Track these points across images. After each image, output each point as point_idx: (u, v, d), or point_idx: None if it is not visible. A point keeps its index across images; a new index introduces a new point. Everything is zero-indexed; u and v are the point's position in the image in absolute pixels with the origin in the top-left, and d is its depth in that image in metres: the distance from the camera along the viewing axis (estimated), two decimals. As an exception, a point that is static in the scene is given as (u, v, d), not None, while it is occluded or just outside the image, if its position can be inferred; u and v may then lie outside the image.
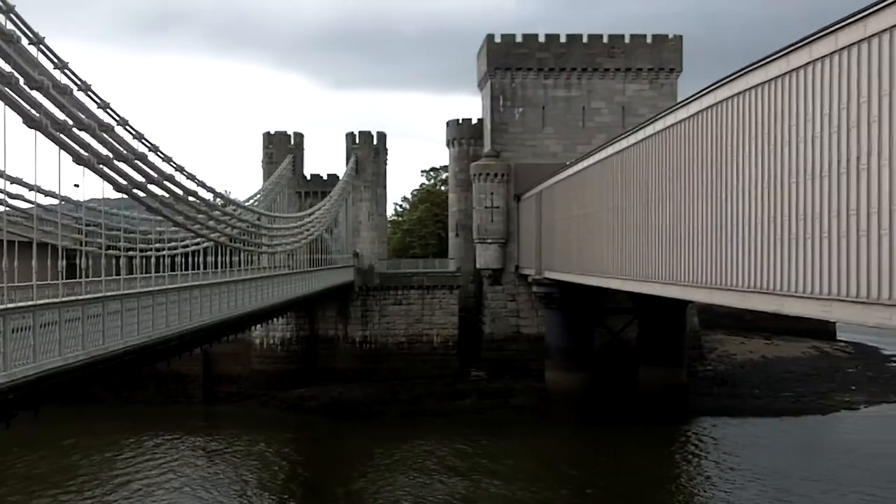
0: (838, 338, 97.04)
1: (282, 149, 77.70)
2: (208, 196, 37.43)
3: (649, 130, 39.68)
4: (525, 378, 71.13)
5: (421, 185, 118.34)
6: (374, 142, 78.07)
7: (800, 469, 49.44)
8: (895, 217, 20.36)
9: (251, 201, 52.25)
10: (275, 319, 64.56)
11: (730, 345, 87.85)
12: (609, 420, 62.39)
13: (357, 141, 77.85)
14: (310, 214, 61.54)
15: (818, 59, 23.91)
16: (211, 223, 38.46)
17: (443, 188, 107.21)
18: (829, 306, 23.76)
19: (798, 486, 46.38)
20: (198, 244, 39.44)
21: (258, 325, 59.89)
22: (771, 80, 26.87)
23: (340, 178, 75.58)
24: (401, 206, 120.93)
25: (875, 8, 20.98)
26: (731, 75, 29.92)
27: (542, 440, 59.52)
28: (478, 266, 76.78)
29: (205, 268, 40.03)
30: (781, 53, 26.07)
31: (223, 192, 48.54)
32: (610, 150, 46.69)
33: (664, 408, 62.77)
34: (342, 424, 63.39)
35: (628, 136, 43.58)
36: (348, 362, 73.94)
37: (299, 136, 79.69)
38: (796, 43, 25.07)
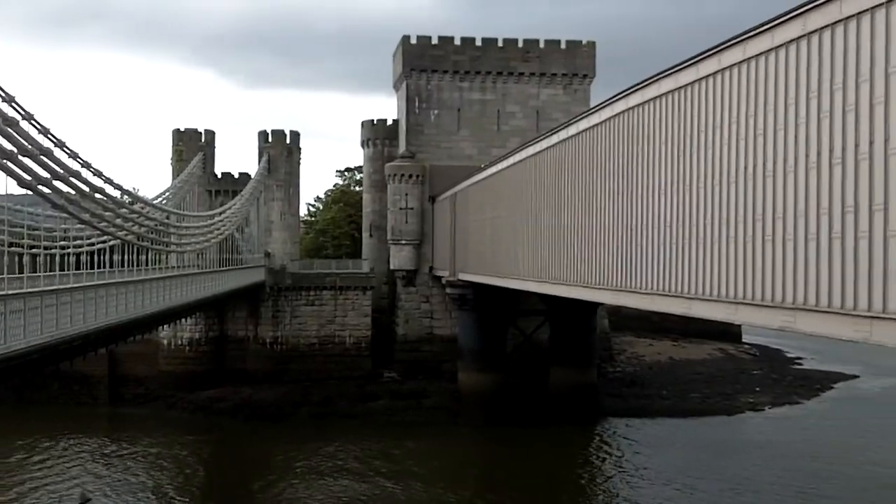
0: (744, 340, 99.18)
1: (192, 146, 76.56)
2: (116, 193, 36.71)
3: (562, 135, 40.02)
4: (438, 379, 71.21)
5: (335, 186, 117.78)
6: (287, 140, 77.37)
7: (705, 468, 50.38)
8: (799, 222, 20.82)
9: (160, 199, 51.42)
10: (183, 320, 63.62)
11: (639, 346, 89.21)
12: (521, 421, 62.83)
13: (270, 139, 77.12)
14: (220, 213, 60.77)
15: (727, 67, 24.36)
16: (118, 221, 37.70)
17: (357, 189, 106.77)
18: (734, 309, 24.21)
19: (703, 484, 47.26)
20: (104, 242, 38.61)
21: (166, 326, 58.94)
22: (681, 87, 27.30)
23: (252, 176, 74.77)
24: (314, 206, 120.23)
25: (782, 19, 21.46)
26: (642, 82, 30.31)
27: (455, 441, 59.73)
28: (392, 267, 76.65)
29: (111, 266, 39.21)
30: (692, 62, 26.50)
31: (131, 190, 47.74)
32: (524, 154, 46.99)
33: (575, 408, 63.45)
34: (252, 426, 62.76)
35: (542, 140, 43.90)
36: (259, 363, 73.17)
37: (210, 134, 78.62)
38: (706, 51, 25.51)
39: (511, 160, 49.81)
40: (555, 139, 41.20)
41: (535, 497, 46.19)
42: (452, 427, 62.77)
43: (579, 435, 59.80)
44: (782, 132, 21.54)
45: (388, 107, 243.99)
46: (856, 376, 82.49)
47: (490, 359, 64.82)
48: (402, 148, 78.60)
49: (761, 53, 22.49)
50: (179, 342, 72.42)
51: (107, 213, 35.88)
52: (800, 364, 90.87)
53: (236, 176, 78.71)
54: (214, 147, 79.11)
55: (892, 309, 17.63)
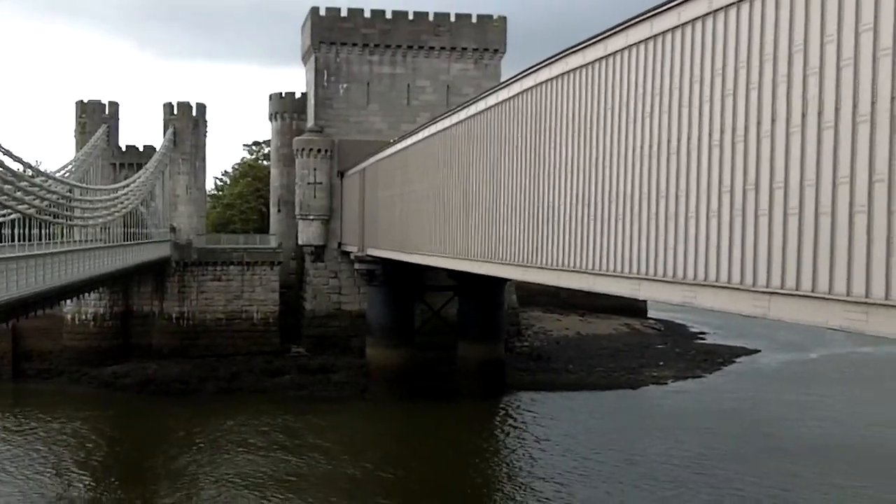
0: (649, 315, 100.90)
1: (96, 119, 74.72)
2: (16, 166, 35.72)
3: (472, 110, 40.00)
4: (346, 355, 71.13)
5: (242, 160, 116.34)
6: (193, 113, 75.96)
7: (607, 440, 51.21)
8: (701, 200, 21.13)
9: (62, 172, 50.12)
10: (87, 295, 62.32)
11: (546, 322, 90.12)
12: (429, 395, 63.09)
13: (175, 112, 75.64)
14: (125, 187, 59.54)
15: (634, 44, 24.55)
16: (18, 194, 36.69)
17: (265, 163, 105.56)
18: (637, 285, 24.53)
19: (604, 456, 48.05)
20: (4, 216, 37.58)
21: (69, 301, 57.60)
22: (589, 63, 27.44)
23: (157, 149, 73.36)
24: (221, 180, 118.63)
25: (687, -3, 21.68)
26: (550, 58, 30.40)
27: (363, 416, 59.74)
28: (300, 242, 76.06)
29: (11, 240, 38.18)
30: (599, 38, 26.64)
31: (32, 163, 46.37)
32: (433, 129, 46.89)
33: (482, 383, 63.88)
34: (158, 402, 61.89)
35: (451, 115, 43.84)
36: (164, 339, 72.12)
37: (114, 106, 76.79)
38: (614, 28, 25.66)
39: (421, 135, 49.68)
40: (464, 114, 41.18)
41: (442, 471, 46.47)
42: (360, 402, 62.78)
43: (486, 409, 60.28)
44: (686, 110, 21.81)
45: (297, 80, 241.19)
46: (757, 351, 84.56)
47: (398, 334, 64.84)
48: (310, 122, 77.83)
49: (667, 31, 22.71)
50: (84, 317, 70.96)
51: (6, 187, 34.91)
52: (703, 339, 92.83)
53: (141, 149, 77.12)
54: (118, 119, 77.29)
55: (789, 285, 18.01)
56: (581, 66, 27.96)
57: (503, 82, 36.60)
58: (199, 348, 71.66)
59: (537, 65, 31.62)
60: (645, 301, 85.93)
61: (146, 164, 68.69)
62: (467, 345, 65.27)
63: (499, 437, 55.13)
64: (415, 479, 45.15)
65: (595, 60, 26.94)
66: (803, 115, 17.52)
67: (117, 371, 67.99)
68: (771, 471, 45.17)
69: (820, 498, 40.68)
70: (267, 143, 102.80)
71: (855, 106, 16.11)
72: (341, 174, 73.90)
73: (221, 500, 40.80)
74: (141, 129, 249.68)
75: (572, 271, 28.69)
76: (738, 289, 19.76)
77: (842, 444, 50.22)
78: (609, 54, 26.04)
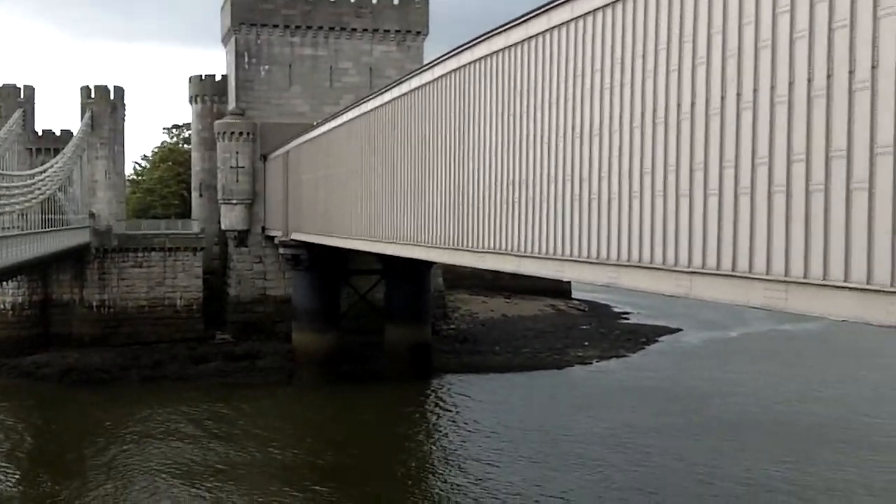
0: (573, 296, 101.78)
1: (10, 103, 72.96)
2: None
3: (395, 92, 39.84)
4: (272, 340, 70.62)
5: (162, 143, 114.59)
6: (111, 96, 74.43)
7: (535, 421, 51.59)
8: (623, 181, 21.31)
9: (-25, 158, 48.76)
10: (4, 283, 60.87)
11: (472, 304, 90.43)
12: (357, 379, 62.95)
13: (93, 95, 74.01)
14: (41, 172, 58.21)
15: (556, 26, 24.61)
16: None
17: (186, 147, 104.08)
18: (562, 266, 24.68)
19: (529, 436, 48.42)
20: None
21: (-15, 290, 56.25)
22: (511, 45, 27.47)
23: (75, 134, 71.83)
24: (141, 164, 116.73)
25: (608, -21, 21.76)
26: (473, 40, 30.36)
27: (290, 401, 59.39)
28: (223, 227, 75.20)
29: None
30: (522, 20, 26.67)
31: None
32: (357, 112, 46.62)
33: (410, 366, 63.91)
34: (80, 391, 60.73)
35: (375, 97, 43.61)
36: (85, 327, 70.79)
37: (30, 90, 75.05)
38: (536, 10, 25.70)
39: (344, 118, 49.36)
40: (388, 97, 40.99)
41: (371, 454, 46.39)
42: (287, 388, 62.39)
43: (414, 392, 60.33)
44: (608, 92, 21.94)
45: (218, 62, 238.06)
46: (679, 330, 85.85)
47: (324, 319, 64.51)
48: (231, 104, 76.85)
49: (589, 13, 22.81)
50: (1, 306, 69.35)
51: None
52: (626, 319, 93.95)
53: (58, 133, 75.50)
54: (34, 103, 75.60)
55: (710, 265, 18.26)
56: (504, 49, 27.97)
57: (426, 65, 36.48)
58: (122, 336, 70.53)
59: (460, 47, 31.56)
60: (569, 282, 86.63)
61: (63, 149, 67.21)
62: (394, 328, 65.21)
63: (427, 419, 55.24)
64: (344, 463, 45.02)
65: (518, 42, 26.98)
66: (722, 98, 17.74)
67: (37, 361, 66.53)
68: (692, 447, 45.95)
69: (740, 473, 41.46)
70: (187, 126, 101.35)
71: (773, 87, 16.35)
72: (264, 157, 73.18)
73: (152, 491, 40.23)
74: (58, 113, 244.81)
75: (498, 253, 28.78)
76: (660, 269, 19.98)
77: (761, 420, 51.27)
78: (531, 36, 26.08)
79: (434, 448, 48.63)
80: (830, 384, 61.19)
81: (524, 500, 38.37)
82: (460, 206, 31.89)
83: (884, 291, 14.11)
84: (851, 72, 14.55)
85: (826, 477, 40.87)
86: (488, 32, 29.05)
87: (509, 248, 27.82)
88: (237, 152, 72.97)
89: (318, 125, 56.52)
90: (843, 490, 39.03)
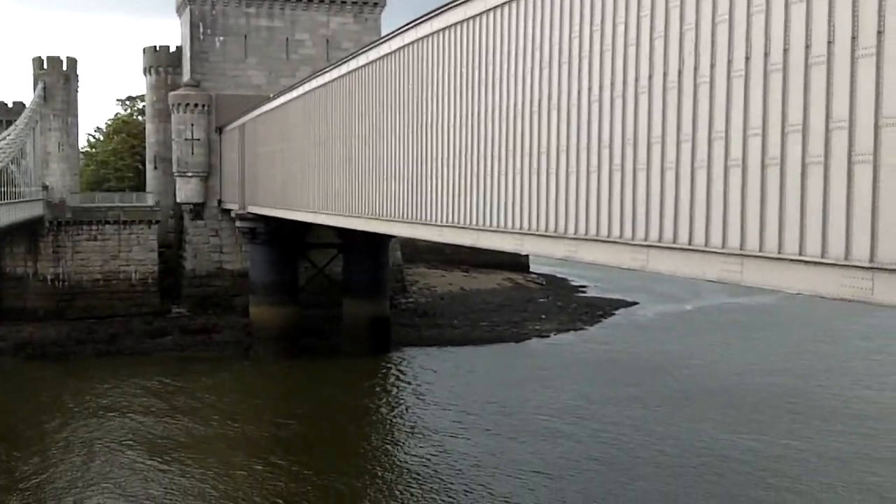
0: (531, 270, 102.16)
1: (-40, 72, 71.75)
2: None
3: (352, 65, 39.56)
4: (229, 314, 70.29)
5: (116, 115, 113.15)
6: (64, 67, 73.31)
7: (492, 394, 51.85)
8: (581, 155, 21.33)
9: (-76, 129, 47.89)
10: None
11: (431, 278, 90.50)
12: (314, 353, 62.88)
13: (45, 66, 72.82)
14: (-7, 144, 57.36)
15: (514, -1, 24.53)
16: None
17: (140, 118, 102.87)
18: (521, 240, 24.72)
19: (489, 409, 48.68)
20: None
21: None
22: (470, 18, 27.34)
23: (27, 106, 70.72)
24: (94, 136, 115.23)
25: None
26: (432, 12, 30.18)
27: (249, 376, 59.19)
28: (178, 200, 74.50)
29: None
30: (480, -7, 26.53)
31: None
32: (314, 84, 46.27)
33: (368, 340, 63.87)
34: (35, 366, 60.13)
35: (332, 69, 43.29)
36: (39, 301, 70.02)
37: (-20, 60, 73.87)
38: (494, -17, 25.57)
39: (301, 90, 48.99)
40: (345, 69, 40.71)
41: (328, 428, 46.40)
42: (244, 362, 62.18)
43: (372, 366, 60.37)
44: (566, 66, 21.92)
45: (172, 32, 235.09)
46: (636, 303, 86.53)
47: (282, 292, 64.22)
48: (186, 76, 75.97)
49: (547, -13, 22.72)
50: (-48, 280, 68.47)
51: None
52: (584, 292, 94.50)
53: (10, 105, 74.34)
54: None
55: (667, 238, 18.36)
56: (462, 21, 27.84)
57: (384, 37, 36.24)
58: (76, 310, 69.87)
59: (418, 19, 31.37)
60: (527, 256, 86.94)
61: (16, 121, 66.19)
62: (352, 302, 65.10)
63: (386, 392, 55.32)
64: (305, 436, 45.03)
65: (476, 15, 26.85)
66: (680, 72, 17.78)
67: (-10, 335, 65.84)
68: (648, 418, 46.44)
69: (695, 443, 41.96)
70: (142, 98, 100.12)
71: (730, 62, 16.41)
72: (219, 130, 72.50)
73: (115, 465, 39.98)
74: (10, 84, 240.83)
75: (456, 227, 28.76)
76: (617, 242, 20.07)
77: (715, 391, 51.89)
78: (490, 8, 25.97)
79: (393, 420, 48.74)
80: (784, 356, 62.00)
81: (482, 471, 38.60)
82: (419, 180, 31.80)
83: (837, 265, 14.27)
84: (808, 46, 14.63)
85: (780, 445, 41.50)
86: (447, 5, 28.88)
87: (468, 221, 27.80)
88: (192, 124, 72.21)
89: (275, 97, 56.06)
90: (798, 459, 39.64)
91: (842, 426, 44.48)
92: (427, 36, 30.69)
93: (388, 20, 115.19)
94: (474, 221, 27.33)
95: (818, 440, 42.26)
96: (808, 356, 61.93)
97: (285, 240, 63.01)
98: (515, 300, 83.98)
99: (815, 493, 35.55)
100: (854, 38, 13.73)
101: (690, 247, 17.71)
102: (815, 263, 14.72)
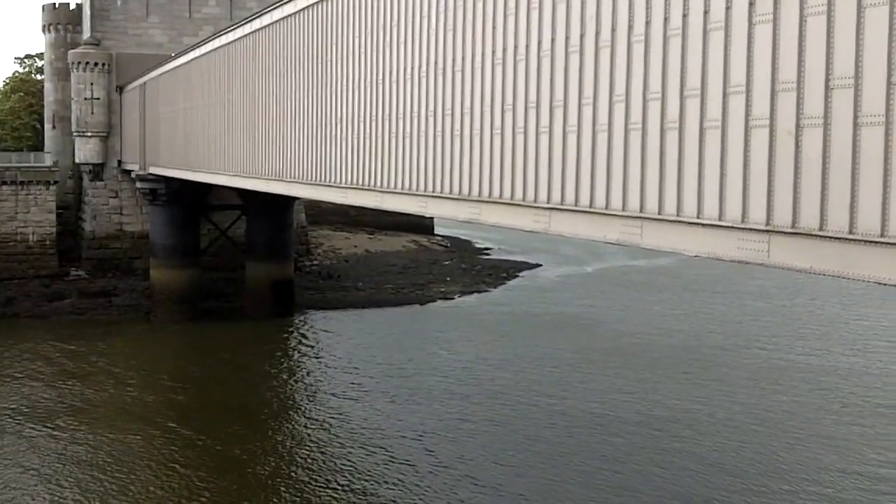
0: (436, 232, 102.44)
1: None
2: None
3: (256, 24, 38.98)
4: (129, 277, 69.02)
5: (14, 74, 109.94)
6: (-44, 22, 70.89)
7: (395, 357, 52.12)
8: (485, 117, 21.43)
9: None
10: None
11: (336, 240, 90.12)
12: (217, 316, 62.32)
13: (-65, 20, 70.33)
14: None
15: (419, -40, 24.40)
16: None
17: (39, 77, 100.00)
18: (425, 202, 24.78)
19: (391, 371, 48.99)
20: None
21: None
22: (374, -22, 27.13)
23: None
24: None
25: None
26: (336, -28, 29.89)
27: (149, 339, 58.43)
28: (77, 161, 72.71)
29: None
30: (385, -47, 26.34)
31: None
32: (217, 43, 45.48)
33: (272, 303, 63.48)
34: (-75, 331, 58.51)
35: (235, 29, 42.58)
36: (-70, 264, 67.97)
37: None
38: (399, -57, 25.40)
39: (204, 49, 48.12)
40: (249, 29, 40.09)
41: (230, 391, 46.12)
42: (145, 325, 61.38)
43: (275, 329, 60.09)
44: (470, 27, 21.93)
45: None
46: (539, 265, 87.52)
47: (183, 254, 63.34)
48: (86, 34, 73.95)
49: (452, -52, 22.65)
50: None
51: None
52: (488, 255, 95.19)
53: None
54: None
55: (569, 201, 18.59)
56: (367, -19, 27.61)
57: (288, -4, 35.74)
58: (-30, 273, 67.98)
59: (323, -21, 31.03)
60: (432, 218, 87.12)
61: None
62: (256, 265, 64.55)
63: (288, 356, 55.16)
64: (204, 400, 44.69)
65: (381, -24, 26.65)
66: (582, 35, 17.93)
67: None
68: (545, 379, 47.14)
69: (589, 404, 42.75)
70: (40, 56, 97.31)
71: (630, 27, 16.60)
72: (120, 89, 70.85)
73: (7, 435, 39.12)
74: None
75: (361, 189, 28.68)
76: (520, 205, 20.25)
77: (610, 352, 52.82)
78: (395, -30, 25.80)
79: (295, 384, 48.65)
80: (679, 317, 63.44)
81: (381, 434, 38.82)
82: (323, 141, 31.60)
83: (735, 227, 14.62)
84: (706, 12, 14.89)
85: (672, 407, 42.45)
86: (351, -36, 28.63)
87: (372, 183, 27.75)
88: (92, 84, 70.40)
89: (177, 57, 54.97)
90: (688, 420, 40.56)
91: (733, 387, 45.66)
92: (332, -4, 30.38)
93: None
94: (379, 183, 27.29)
95: (709, 401, 43.33)
96: (704, 317, 63.47)
97: (187, 201, 62.05)
98: (420, 262, 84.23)
99: (706, 455, 36.49)
100: (752, 4, 14.02)
101: (591, 209, 17.96)
102: (713, 226, 15.06)
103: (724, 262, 15.45)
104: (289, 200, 59.85)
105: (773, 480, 33.47)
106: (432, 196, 24.16)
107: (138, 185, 64.67)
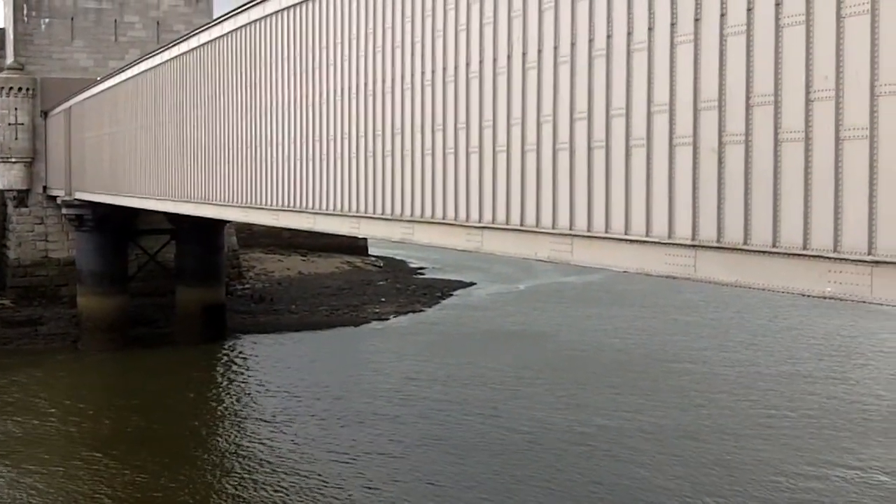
0: (370, 253, 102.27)
1: None
2: None
3: (184, 47, 38.80)
4: (56, 305, 67.73)
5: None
6: None
7: (326, 379, 51.83)
8: (416, 138, 21.59)
9: None
10: None
11: (268, 263, 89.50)
12: (147, 343, 61.45)
13: None
14: None
15: (347, -17, 24.54)
16: None
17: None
18: (358, 223, 24.85)
19: (322, 394, 48.67)
20: None
21: None
22: (302, 2, 27.21)
23: None
24: None
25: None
26: (264, -6, 29.93)
27: (77, 368, 57.37)
28: (1, 187, 71.40)
29: None
30: (312, -24, 26.46)
31: None
32: (143, 67, 45.15)
33: (203, 328, 62.79)
34: None
35: (162, 52, 42.34)
36: None
37: None
38: (326, -34, 25.54)
39: (130, 73, 47.72)
40: (176, 51, 39.89)
41: (160, 420, 45.43)
42: (72, 354, 60.26)
43: (207, 354, 59.45)
44: (400, 49, 22.11)
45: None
46: (473, 284, 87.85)
47: (112, 281, 62.39)
48: (9, 59, 72.78)
49: (380, -29, 22.84)
50: None
51: None
52: (422, 274, 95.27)
53: None
54: None
55: (499, 219, 18.80)
56: (295, 4, 27.70)
57: (216, 19, 35.67)
58: None
59: (251, 2, 31.04)
60: (366, 239, 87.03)
61: None
62: (186, 289, 63.84)
63: (219, 381, 54.59)
64: (131, 430, 43.92)
65: (309, -2, 26.75)
66: (509, 57, 18.18)
67: None
68: (475, 397, 47.21)
69: (519, 420, 42.94)
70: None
71: (556, 48, 16.88)
72: (45, 114, 69.85)
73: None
74: None
75: (293, 211, 28.66)
76: (452, 224, 20.41)
77: (542, 369, 53.07)
78: (323, -8, 25.92)
79: (224, 411, 48.14)
80: (609, 331, 64.08)
81: (311, 459, 38.55)
82: (254, 164, 31.51)
83: (662, 243, 14.91)
84: (630, 34, 15.20)
85: (599, 422, 42.75)
86: (279, -13, 28.69)
87: (304, 205, 27.74)
88: (16, 108, 69.24)
89: (103, 80, 54.41)
90: (618, 433, 40.91)
91: (657, 401, 46.19)
92: (260, 19, 30.41)
93: (221, 3, 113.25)
94: (311, 205, 27.29)
95: (640, 414, 43.80)
96: (634, 331, 64.16)
97: (114, 226, 61.21)
98: (354, 283, 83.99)
99: (635, 469, 36.91)
100: (673, 24, 14.36)
101: (522, 227, 18.18)
102: (641, 242, 15.35)
103: (652, 277, 15.73)
104: (220, 223, 59.39)
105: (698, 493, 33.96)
106: (365, 217, 24.24)
107: (64, 210, 63.70)
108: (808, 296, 12.88)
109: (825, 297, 12.56)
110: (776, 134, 12.84)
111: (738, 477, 35.37)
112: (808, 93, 12.34)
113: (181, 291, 64.20)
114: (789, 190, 12.71)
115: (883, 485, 34.70)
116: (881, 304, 12.07)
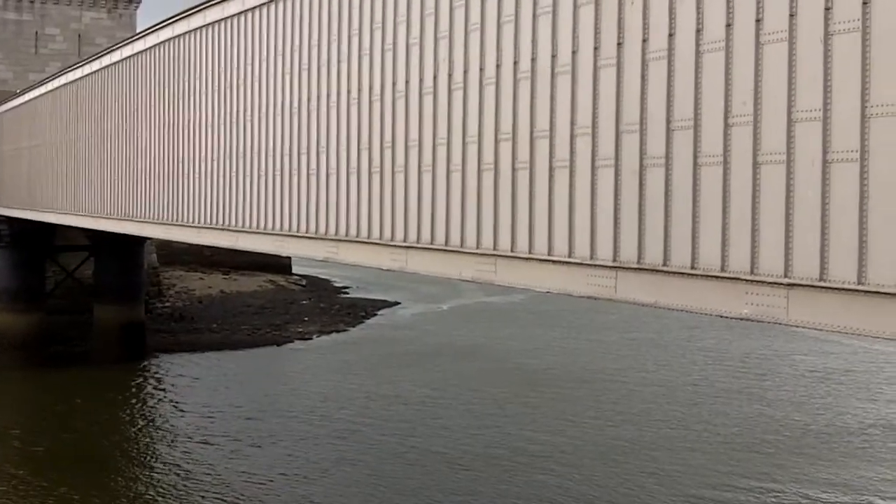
0: (294, 272, 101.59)
1: None
2: None
3: (106, 61, 38.31)
4: (-31, 323, 66.21)
5: None
6: None
7: (245, 400, 51.08)
8: (342, 156, 21.57)
9: None
10: None
11: (189, 281, 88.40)
12: (62, 362, 60.07)
13: None
14: None
15: (273, 0, 24.48)
16: None
17: None
18: (281, 241, 24.71)
19: (239, 414, 47.92)
20: None
21: None
22: (227, 17, 27.08)
23: None
24: None
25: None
26: (190, 9, 29.68)
27: (-10, 387, 56.04)
28: (-87, 201, 69.66)
29: None
30: (238, -8, 26.35)
31: None
32: (64, 80, 44.46)
33: (121, 347, 61.68)
34: None
35: (83, 65, 41.75)
36: None
37: None
38: (252, -17, 25.46)
39: (50, 86, 46.95)
40: (97, 65, 39.36)
41: (73, 441, 44.42)
42: (-13, 372, 58.77)
43: (124, 374, 58.31)
44: (325, 68, 22.10)
45: None
46: (398, 303, 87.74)
47: (27, 298, 61.02)
48: (-77, 69, 71.21)
49: (307, -12, 22.84)
50: None
51: None
52: (347, 293, 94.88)
53: None
54: None
55: (425, 239, 18.84)
56: (220, 20, 27.54)
57: (139, 33, 35.32)
58: None
59: (175, 16, 30.79)
60: (290, 258, 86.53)
61: None
62: (104, 307, 62.68)
63: (134, 402, 53.56)
64: (56, 450, 42.86)
65: (235, 14, 26.64)
66: (435, 77, 18.29)
67: None
68: (393, 416, 47.03)
69: (435, 440, 42.93)
70: None
71: (482, 69, 17.03)
72: (-40, 127, 68.35)
73: None
74: None
75: (215, 229, 28.40)
76: (377, 244, 20.41)
77: (463, 386, 53.12)
78: (248, 9, 25.83)
79: (138, 432, 47.20)
80: (531, 351, 64.42)
81: (223, 481, 37.90)
82: (176, 181, 31.17)
83: (584, 264, 15.08)
84: (554, 56, 15.40)
85: (517, 441, 42.91)
86: (203, 4, 28.49)
87: (227, 223, 27.50)
88: (-71, 120, 67.70)
89: (22, 93, 53.43)
90: (535, 452, 41.02)
91: (578, 417, 46.58)
92: (184, 34, 30.15)
93: (145, 17, 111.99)
94: (234, 223, 27.07)
95: (557, 435, 44.03)
96: (555, 350, 64.64)
97: (31, 242, 59.97)
98: (277, 303, 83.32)
99: (558, 485, 37.16)
100: (596, 48, 14.58)
101: (447, 247, 18.25)
102: (563, 263, 15.51)
103: (574, 298, 15.89)
104: (139, 240, 58.51)
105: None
106: (289, 235, 24.11)
107: (-20, 225, 62.28)
108: (726, 317, 13.13)
109: (742, 319, 12.82)
110: (695, 157, 13.10)
111: (646, 488, 35.78)
112: (726, 117, 12.62)
113: (99, 309, 63.02)
114: (708, 212, 12.96)
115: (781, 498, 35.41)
116: (797, 326, 12.34)
